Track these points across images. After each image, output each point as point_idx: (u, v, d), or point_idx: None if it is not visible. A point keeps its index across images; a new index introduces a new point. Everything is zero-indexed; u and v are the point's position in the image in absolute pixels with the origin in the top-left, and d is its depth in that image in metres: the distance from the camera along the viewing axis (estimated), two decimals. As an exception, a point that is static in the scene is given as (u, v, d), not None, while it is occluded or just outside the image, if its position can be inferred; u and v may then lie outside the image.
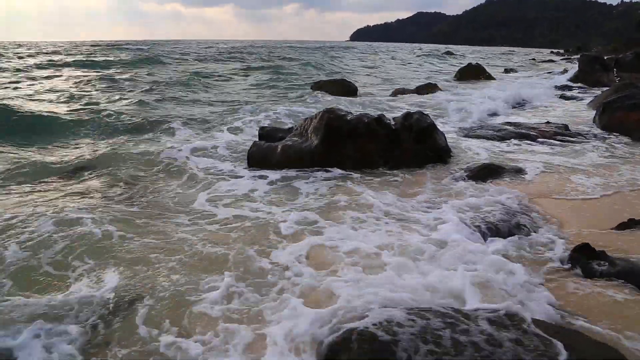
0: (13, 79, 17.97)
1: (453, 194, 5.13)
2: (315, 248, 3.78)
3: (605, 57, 21.43)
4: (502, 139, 7.85)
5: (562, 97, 14.87)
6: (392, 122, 6.79)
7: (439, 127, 7.11)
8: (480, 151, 7.06)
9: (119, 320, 2.87)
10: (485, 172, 5.71)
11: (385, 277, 3.18)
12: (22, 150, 7.70)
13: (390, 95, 14.89)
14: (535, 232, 4.01)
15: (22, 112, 10.06)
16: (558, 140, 7.61)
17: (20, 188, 5.58)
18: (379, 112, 7.45)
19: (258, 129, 7.53)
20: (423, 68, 30.00)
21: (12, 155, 7.23)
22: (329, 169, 6.18)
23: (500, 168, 5.87)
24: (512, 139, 7.74)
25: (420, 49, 67.91)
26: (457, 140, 7.71)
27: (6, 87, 15.49)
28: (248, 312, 2.93)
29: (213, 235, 4.13)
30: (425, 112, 7.24)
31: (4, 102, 11.14)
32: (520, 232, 3.99)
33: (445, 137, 6.98)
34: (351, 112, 6.99)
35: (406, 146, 6.53)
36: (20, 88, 15.46)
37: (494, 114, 10.62)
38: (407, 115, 6.85)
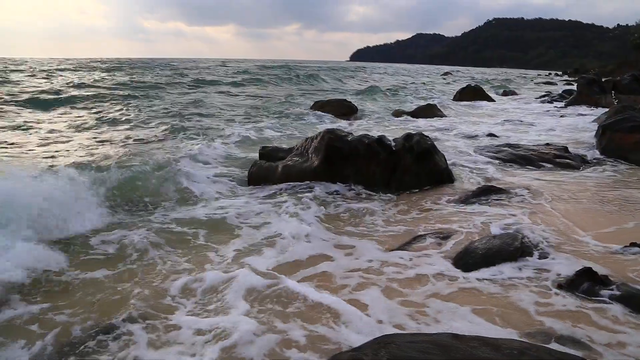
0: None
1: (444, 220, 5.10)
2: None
3: (603, 79, 21.66)
4: (501, 160, 7.87)
5: (562, 117, 15.00)
6: (393, 144, 6.82)
7: (438, 148, 7.14)
8: (479, 173, 7.08)
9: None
10: (484, 195, 5.71)
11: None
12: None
13: (390, 116, 14.98)
14: (532, 256, 3.97)
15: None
16: (557, 163, 7.62)
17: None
18: (380, 133, 7.49)
19: (260, 148, 7.54)
20: (422, 88, 30.21)
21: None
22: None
23: (498, 190, 5.88)
24: (511, 162, 7.76)
25: (419, 70, 68.61)
26: (458, 162, 7.72)
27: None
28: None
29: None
30: (426, 134, 7.28)
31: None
32: (518, 256, 3.95)
33: (445, 158, 7.00)
34: (352, 133, 7.03)
35: (407, 168, 6.54)
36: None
37: (493, 135, 10.67)
38: (408, 137, 6.88)
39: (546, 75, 63.19)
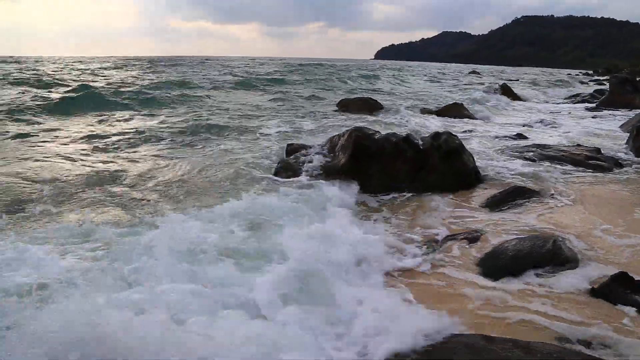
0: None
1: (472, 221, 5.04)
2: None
3: (637, 79, 21.04)
4: (530, 161, 7.73)
5: (594, 117, 14.66)
6: (420, 142, 6.78)
7: (466, 147, 7.06)
8: (507, 174, 6.95)
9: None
10: (513, 196, 5.62)
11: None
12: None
13: (416, 115, 14.85)
14: (563, 260, 3.89)
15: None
16: (589, 165, 7.44)
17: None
18: (407, 132, 7.46)
19: (286, 146, 7.59)
20: (448, 88, 29.89)
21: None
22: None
23: (528, 192, 5.78)
24: (541, 163, 7.61)
25: (444, 69, 67.88)
26: (485, 162, 7.62)
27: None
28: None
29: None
30: (453, 133, 7.21)
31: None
32: (549, 259, 3.88)
33: (473, 158, 6.92)
34: (379, 132, 7.02)
35: (434, 167, 6.49)
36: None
37: (522, 136, 10.49)
38: (436, 135, 6.83)
39: (576, 74, 61.73)
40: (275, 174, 6.68)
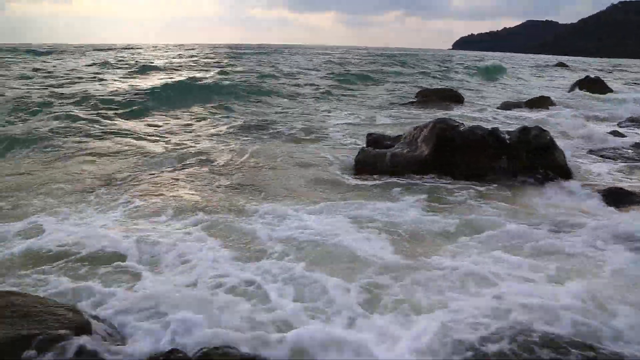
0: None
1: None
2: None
3: None
4: (629, 161, 7.22)
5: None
6: (507, 137, 6.56)
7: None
8: (603, 173, 6.56)
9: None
10: (612, 197, 5.29)
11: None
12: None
13: (498, 108, 14.30)
14: None
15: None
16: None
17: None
18: (492, 126, 7.23)
19: (366, 135, 7.62)
20: (533, 80, 28.41)
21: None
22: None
23: (628, 194, 5.40)
24: (641, 163, 7.08)
25: (528, 60, 64.44)
26: (577, 160, 7.21)
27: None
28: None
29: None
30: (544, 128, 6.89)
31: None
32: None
33: (564, 155, 6.58)
34: (463, 124, 6.86)
35: (521, 163, 6.26)
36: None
37: (617, 133, 9.78)
38: (524, 130, 6.58)
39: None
40: (356, 166, 6.72)
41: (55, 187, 5.83)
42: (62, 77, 18.77)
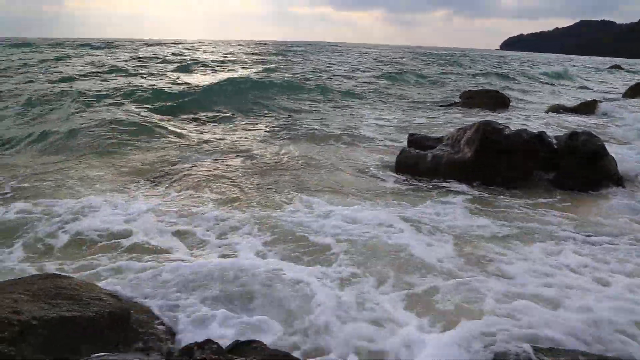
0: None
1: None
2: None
3: None
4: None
5: None
6: (554, 141, 6.34)
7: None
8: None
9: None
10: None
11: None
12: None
13: (546, 112, 13.81)
14: None
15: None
16: None
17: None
18: (539, 130, 7.01)
19: (408, 135, 7.53)
20: (585, 82, 27.27)
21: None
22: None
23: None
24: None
25: (579, 62, 61.98)
26: (629, 168, 6.86)
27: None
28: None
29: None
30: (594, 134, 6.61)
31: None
32: None
33: (616, 162, 6.28)
34: (509, 127, 6.66)
35: (568, 169, 6.03)
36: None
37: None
38: (573, 135, 6.34)
39: None
40: (397, 166, 6.67)
41: (103, 174, 6.15)
42: (115, 71, 19.46)
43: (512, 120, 11.43)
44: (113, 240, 4.09)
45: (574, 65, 47.77)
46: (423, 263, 3.75)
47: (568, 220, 4.88)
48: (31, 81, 15.50)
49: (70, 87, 13.78)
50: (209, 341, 2.22)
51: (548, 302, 3.12)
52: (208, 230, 4.37)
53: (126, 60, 24.89)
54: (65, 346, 2.22)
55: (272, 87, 15.16)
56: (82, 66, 21.19)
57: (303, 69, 23.56)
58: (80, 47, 39.34)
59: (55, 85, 14.40)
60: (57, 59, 25.21)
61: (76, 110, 10.51)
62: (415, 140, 7.40)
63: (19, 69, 19.69)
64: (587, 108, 13.96)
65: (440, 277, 3.53)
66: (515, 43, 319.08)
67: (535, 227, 4.65)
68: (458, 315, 2.98)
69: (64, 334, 2.26)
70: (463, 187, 5.93)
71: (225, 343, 2.43)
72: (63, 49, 35.00)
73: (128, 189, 5.60)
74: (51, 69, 19.90)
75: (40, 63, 22.30)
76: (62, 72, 18.53)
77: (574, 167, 6.04)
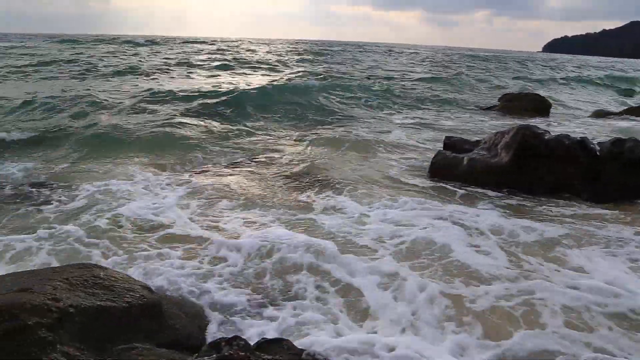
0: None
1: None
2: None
3: None
4: None
5: None
6: (597, 148, 6.10)
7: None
8: None
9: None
10: None
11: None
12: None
13: (590, 117, 13.35)
14: None
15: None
16: None
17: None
18: (581, 135, 6.77)
19: (444, 138, 7.42)
20: (632, 87, 26.15)
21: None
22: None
23: None
24: None
25: (630, 64, 59.57)
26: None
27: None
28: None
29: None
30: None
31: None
32: None
33: (664, 172, 6.00)
34: (549, 131, 6.47)
35: (612, 176, 5.80)
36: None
37: None
38: (617, 142, 6.08)
39: None
40: (431, 168, 6.60)
41: (145, 166, 6.50)
42: (158, 70, 19.98)
43: (553, 126, 11.10)
44: (149, 230, 4.26)
45: (622, 68, 45.96)
46: (474, 267, 3.71)
47: (618, 226, 4.71)
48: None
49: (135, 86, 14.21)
50: (236, 337, 2.25)
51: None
52: (241, 226, 4.44)
53: (174, 57, 25.45)
54: (100, 335, 2.29)
55: (317, 88, 14.85)
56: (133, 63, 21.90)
57: (348, 68, 23.55)
58: (123, 43, 40.57)
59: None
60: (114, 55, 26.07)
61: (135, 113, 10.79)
62: (452, 143, 7.28)
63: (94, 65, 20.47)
64: (635, 112, 13.35)
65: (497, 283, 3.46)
66: (559, 45, 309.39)
67: (585, 231, 4.53)
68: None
69: (100, 323, 2.33)
70: (499, 191, 5.80)
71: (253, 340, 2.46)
72: (116, 46, 36.12)
73: (166, 180, 5.86)
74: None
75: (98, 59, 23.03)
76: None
77: (618, 174, 5.81)
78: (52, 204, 4.93)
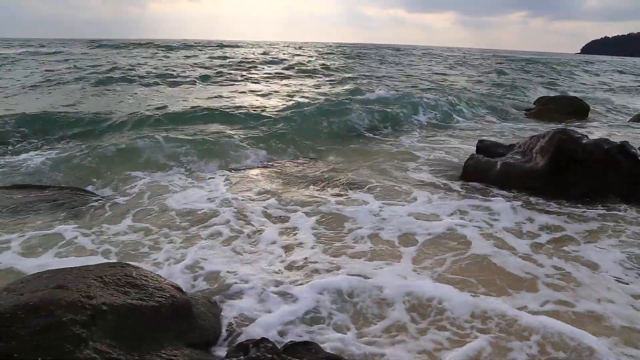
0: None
1: None
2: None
3: None
4: None
5: None
6: (639, 153, 5.87)
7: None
8: None
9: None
10: None
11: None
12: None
13: (631, 121, 12.85)
14: None
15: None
16: None
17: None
18: (622, 140, 6.53)
19: (477, 142, 7.29)
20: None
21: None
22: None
23: None
24: None
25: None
26: None
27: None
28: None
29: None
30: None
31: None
32: None
33: None
34: (587, 136, 6.26)
35: (655, 183, 5.57)
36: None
37: None
38: (661, 147, 5.84)
39: None
40: (464, 172, 6.49)
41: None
42: (188, 75, 20.28)
43: (591, 130, 10.73)
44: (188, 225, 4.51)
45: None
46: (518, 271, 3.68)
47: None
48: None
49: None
50: (264, 339, 2.25)
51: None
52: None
53: (219, 64, 25.68)
54: (131, 333, 2.34)
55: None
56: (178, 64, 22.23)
57: (387, 72, 23.33)
58: (160, 47, 41.31)
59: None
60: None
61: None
62: (485, 147, 7.14)
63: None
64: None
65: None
66: (597, 47, 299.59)
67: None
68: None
69: (131, 321, 2.38)
70: (534, 197, 5.64)
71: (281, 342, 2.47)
72: (154, 50, 36.67)
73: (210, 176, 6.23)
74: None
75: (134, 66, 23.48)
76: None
77: (661, 182, 5.57)
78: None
